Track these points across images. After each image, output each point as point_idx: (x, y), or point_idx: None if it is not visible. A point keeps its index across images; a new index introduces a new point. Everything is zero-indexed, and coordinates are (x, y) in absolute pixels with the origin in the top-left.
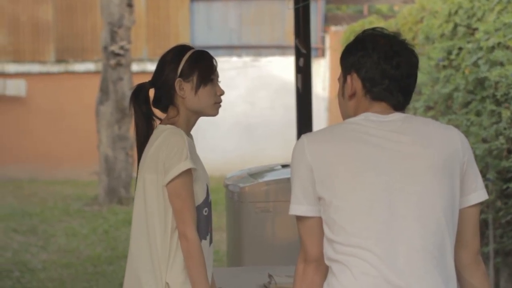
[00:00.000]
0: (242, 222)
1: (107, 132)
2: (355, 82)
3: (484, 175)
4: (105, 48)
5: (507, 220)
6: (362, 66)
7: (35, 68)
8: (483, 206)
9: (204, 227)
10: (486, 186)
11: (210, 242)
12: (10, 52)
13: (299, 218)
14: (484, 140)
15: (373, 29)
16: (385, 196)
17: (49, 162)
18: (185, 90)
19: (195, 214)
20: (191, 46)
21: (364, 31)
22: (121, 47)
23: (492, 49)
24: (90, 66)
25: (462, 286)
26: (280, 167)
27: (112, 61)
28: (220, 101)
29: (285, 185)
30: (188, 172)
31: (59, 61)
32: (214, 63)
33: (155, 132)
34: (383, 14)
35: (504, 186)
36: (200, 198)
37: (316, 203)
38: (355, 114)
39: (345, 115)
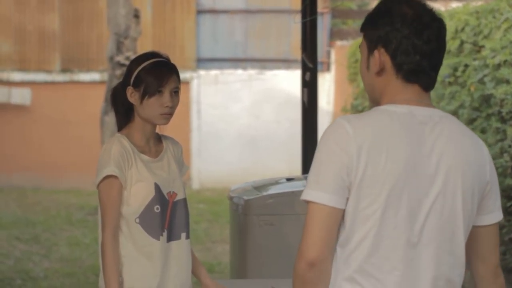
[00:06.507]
0: (246, 234)
1: None
2: (383, 57)
3: None
4: (111, 58)
5: (510, 237)
6: (391, 41)
7: (40, 77)
8: None
9: (157, 225)
10: None
11: (169, 239)
12: (16, 60)
13: None
14: None
15: None
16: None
17: (53, 171)
18: (134, 99)
19: (112, 220)
20: (158, 54)
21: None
22: (127, 58)
23: (498, 66)
24: (95, 76)
25: None
26: (285, 180)
27: (118, 72)
28: (168, 111)
29: (290, 198)
30: (110, 178)
31: (64, 70)
32: (166, 74)
33: None
34: None
35: (508, 204)
36: (147, 196)
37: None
38: (383, 92)
39: (371, 89)
